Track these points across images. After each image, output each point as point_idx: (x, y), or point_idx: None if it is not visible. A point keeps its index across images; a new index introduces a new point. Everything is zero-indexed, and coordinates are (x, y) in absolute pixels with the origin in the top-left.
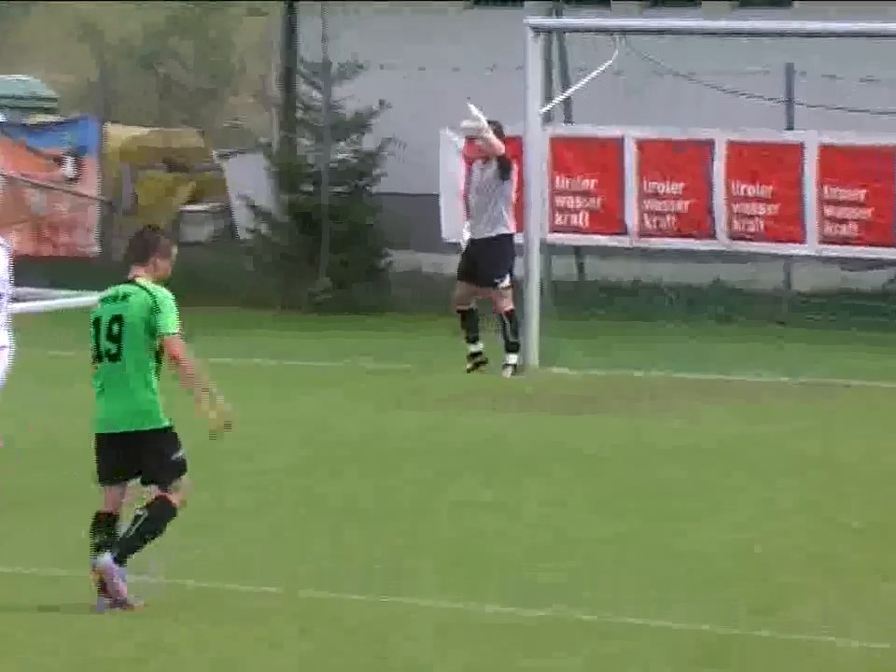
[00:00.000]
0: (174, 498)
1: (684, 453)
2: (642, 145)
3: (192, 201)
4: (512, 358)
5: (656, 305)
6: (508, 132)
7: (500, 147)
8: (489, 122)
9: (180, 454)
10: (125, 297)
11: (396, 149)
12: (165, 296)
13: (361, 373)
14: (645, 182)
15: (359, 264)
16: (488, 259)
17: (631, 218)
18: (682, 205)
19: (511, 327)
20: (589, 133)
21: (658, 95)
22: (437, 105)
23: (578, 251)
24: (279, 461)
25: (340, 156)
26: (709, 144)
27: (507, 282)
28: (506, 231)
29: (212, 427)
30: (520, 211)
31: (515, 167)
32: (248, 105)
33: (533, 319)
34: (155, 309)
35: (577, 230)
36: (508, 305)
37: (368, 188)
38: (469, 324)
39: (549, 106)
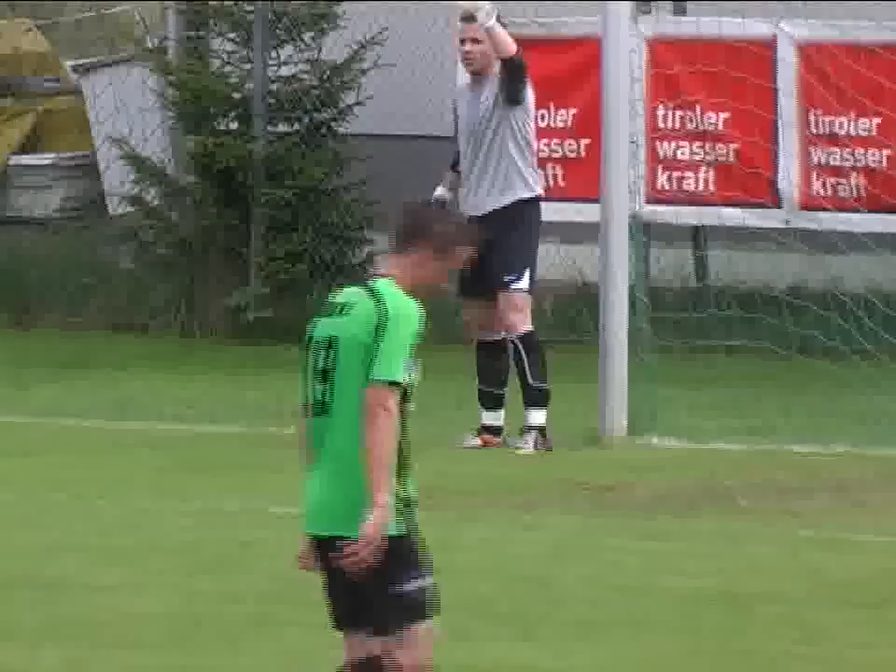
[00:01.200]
0: (403, 658)
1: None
2: (807, 51)
3: (28, 147)
4: (538, 417)
5: (834, 328)
6: (573, 30)
7: (509, 41)
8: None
9: (416, 583)
10: (348, 307)
11: (379, 59)
12: (406, 314)
13: (284, 445)
14: (813, 116)
15: (315, 258)
16: (497, 243)
17: (788, 179)
18: (878, 157)
19: (532, 360)
20: (714, 31)
21: None
22: None
23: (697, 236)
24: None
25: (284, 71)
26: None
27: (525, 282)
28: (525, 195)
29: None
30: (581, 167)
31: (530, 82)
32: None
33: (616, 354)
34: (380, 330)
35: (694, 199)
36: (524, 324)
37: (332, 126)
38: (492, 369)
39: None
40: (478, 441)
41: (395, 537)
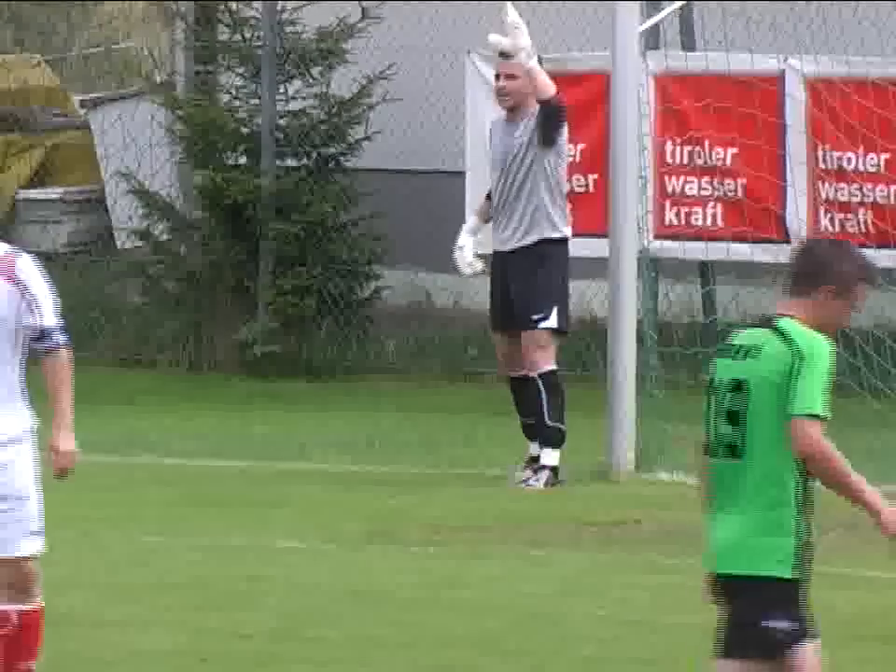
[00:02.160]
0: None
1: None
2: (816, 86)
3: (36, 182)
4: (552, 457)
5: (842, 364)
6: (582, 65)
7: (548, 83)
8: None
9: (786, 625)
10: (754, 349)
11: (388, 95)
12: (819, 351)
13: (316, 480)
14: (821, 151)
15: (324, 293)
16: (523, 281)
17: (796, 214)
18: (886, 192)
19: (550, 400)
20: (722, 66)
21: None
22: (457, 19)
23: (705, 272)
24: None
25: (292, 105)
26: None
27: (553, 321)
28: (551, 236)
29: None
30: (589, 202)
31: (566, 124)
32: (133, 16)
33: (624, 390)
34: (794, 370)
35: (702, 234)
36: (546, 363)
37: (340, 161)
38: (527, 403)
39: (655, 20)
40: (528, 473)
41: (786, 580)
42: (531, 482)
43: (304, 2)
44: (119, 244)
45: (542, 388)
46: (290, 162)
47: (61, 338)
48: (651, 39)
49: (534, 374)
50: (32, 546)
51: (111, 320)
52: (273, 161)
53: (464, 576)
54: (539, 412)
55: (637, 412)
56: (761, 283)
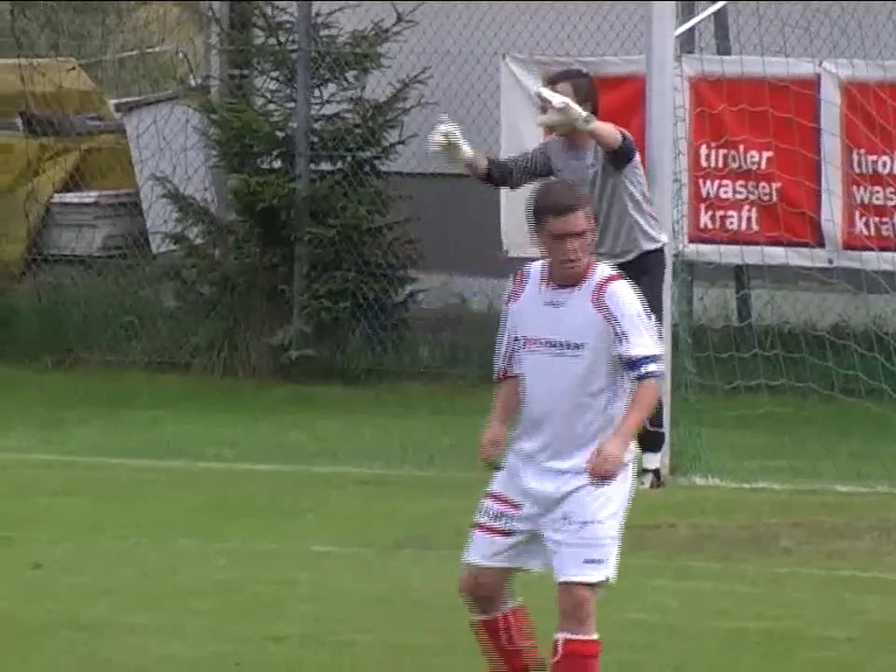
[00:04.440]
0: None
1: None
2: (851, 90)
3: (71, 186)
4: (653, 461)
5: (877, 368)
6: (618, 69)
7: (613, 134)
8: (567, 78)
9: None
10: None
11: (425, 99)
12: None
13: (349, 485)
14: (856, 155)
15: (359, 297)
16: None
17: (831, 218)
18: None
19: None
20: (757, 70)
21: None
22: (492, 23)
23: (740, 275)
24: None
25: (327, 109)
26: None
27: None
28: (651, 247)
29: None
30: None
31: (633, 142)
32: (167, 20)
33: (663, 395)
34: None
35: (737, 238)
36: None
37: (375, 164)
38: None
39: (690, 24)
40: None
41: None
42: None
43: (340, 3)
44: (153, 248)
45: None
46: (325, 166)
47: (650, 368)
48: (687, 43)
49: None
50: (587, 574)
51: (145, 324)
52: (308, 165)
53: None
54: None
55: (672, 416)
56: (796, 287)
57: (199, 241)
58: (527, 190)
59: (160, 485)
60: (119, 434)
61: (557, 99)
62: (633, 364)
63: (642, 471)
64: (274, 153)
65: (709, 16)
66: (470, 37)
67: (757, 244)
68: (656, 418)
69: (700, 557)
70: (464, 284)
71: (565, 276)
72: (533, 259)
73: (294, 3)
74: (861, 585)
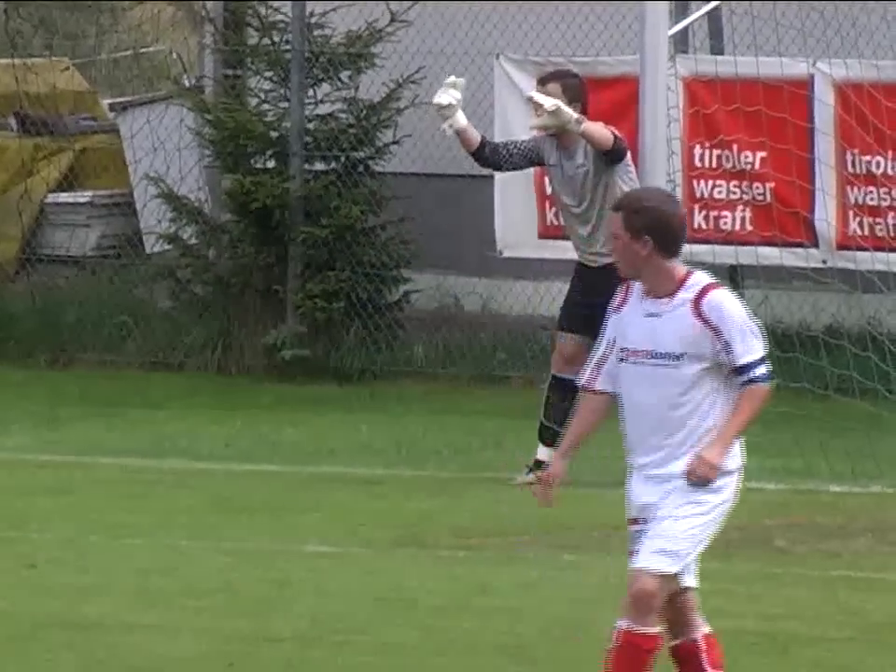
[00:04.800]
0: None
1: None
2: (845, 90)
3: (65, 186)
4: None
5: (871, 368)
6: (611, 69)
7: (604, 134)
8: (557, 78)
9: None
10: None
11: (419, 99)
12: None
13: (345, 485)
14: (850, 155)
15: (353, 297)
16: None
17: (825, 218)
18: None
19: None
20: (751, 70)
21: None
22: (486, 23)
23: (734, 276)
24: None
25: (321, 109)
26: None
27: None
28: None
29: None
30: None
31: (624, 141)
32: (161, 20)
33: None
34: None
35: (731, 238)
36: None
37: (369, 164)
38: (561, 408)
39: (684, 24)
40: (532, 478)
41: None
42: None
43: (334, 3)
44: (147, 248)
45: None
46: (319, 166)
47: (758, 372)
48: (681, 43)
49: None
50: (653, 562)
51: (140, 324)
52: (302, 165)
53: (493, 581)
54: None
55: None
56: (790, 287)
57: (193, 241)
58: (522, 191)
59: (156, 485)
60: (115, 433)
61: (549, 102)
62: (740, 371)
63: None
64: (268, 153)
65: (703, 16)
66: (464, 37)
67: (751, 244)
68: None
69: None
70: (458, 284)
71: (656, 287)
72: (527, 260)
73: (288, 3)
74: (857, 585)
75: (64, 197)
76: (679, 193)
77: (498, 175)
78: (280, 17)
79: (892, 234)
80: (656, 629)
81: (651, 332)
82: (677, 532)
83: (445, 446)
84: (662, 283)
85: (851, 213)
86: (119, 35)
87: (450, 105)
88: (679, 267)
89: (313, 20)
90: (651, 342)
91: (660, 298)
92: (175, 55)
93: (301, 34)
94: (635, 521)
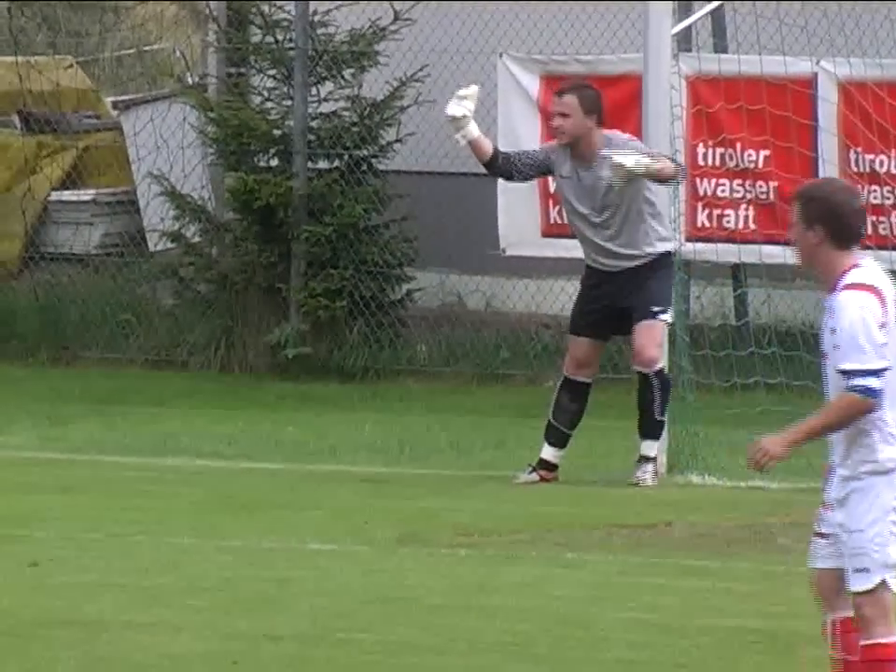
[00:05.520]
0: None
1: None
2: (848, 89)
3: (68, 184)
4: (655, 448)
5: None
6: (615, 68)
7: (671, 168)
8: (574, 90)
9: None
10: None
11: (422, 97)
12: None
13: (347, 483)
14: (853, 154)
15: (356, 295)
16: (638, 287)
17: None
18: None
19: (663, 397)
20: (754, 69)
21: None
22: (490, 21)
23: (737, 274)
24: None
25: (324, 107)
26: None
27: (670, 317)
28: (663, 249)
29: None
30: None
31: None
32: (165, 18)
33: (686, 393)
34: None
35: (734, 236)
36: (660, 358)
37: (372, 162)
38: (570, 410)
39: (687, 22)
40: (535, 476)
41: None
42: (642, 476)
43: (338, 2)
44: (150, 246)
45: (658, 385)
46: (322, 164)
47: (856, 382)
48: (684, 41)
49: (650, 371)
50: (855, 584)
51: (143, 322)
52: (305, 164)
53: (495, 580)
54: (648, 407)
55: (670, 415)
56: (793, 285)
57: (196, 239)
58: (525, 190)
59: (158, 483)
60: (118, 431)
61: (631, 161)
62: (842, 375)
63: (645, 460)
64: (272, 151)
65: (706, 14)
66: (468, 36)
67: (754, 242)
68: (666, 400)
69: (697, 556)
70: (461, 282)
71: (827, 279)
72: (530, 258)
73: (291, 1)
74: None
75: (68, 195)
76: (681, 192)
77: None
78: (283, 15)
79: (895, 233)
80: (885, 639)
81: (822, 328)
82: (863, 547)
83: (448, 445)
84: (830, 274)
85: None
86: (123, 33)
87: (463, 117)
88: (849, 259)
89: (316, 18)
90: (823, 338)
91: (830, 290)
92: (178, 53)
93: (304, 32)
94: (825, 505)
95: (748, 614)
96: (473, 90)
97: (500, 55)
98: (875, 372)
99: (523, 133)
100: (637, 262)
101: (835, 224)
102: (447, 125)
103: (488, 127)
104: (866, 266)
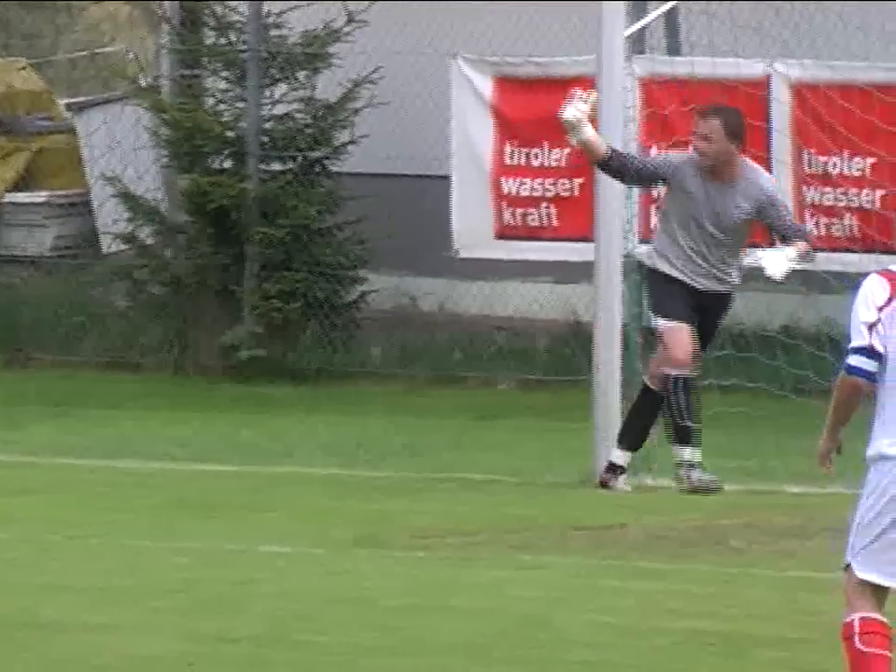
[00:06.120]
0: None
1: None
2: (801, 91)
3: (22, 186)
4: (682, 454)
5: (828, 368)
6: (568, 70)
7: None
8: (718, 115)
9: None
10: None
11: (376, 99)
12: None
13: (303, 484)
14: (806, 156)
15: (309, 297)
16: (714, 323)
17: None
18: (871, 197)
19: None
20: (708, 71)
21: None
22: (444, 23)
23: None
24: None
25: (278, 109)
26: None
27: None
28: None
29: None
30: (575, 206)
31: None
32: (118, 20)
33: (609, 394)
34: None
35: None
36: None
37: (326, 164)
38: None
39: (641, 24)
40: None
41: None
42: (690, 480)
43: (291, 3)
44: (104, 248)
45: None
46: (276, 167)
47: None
48: (637, 43)
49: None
50: None
51: (96, 324)
52: (259, 166)
53: (452, 582)
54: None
55: (623, 417)
56: (747, 287)
57: (150, 241)
58: (478, 192)
59: (115, 485)
60: (72, 434)
61: (782, 269)
62: None
63: (683, 466)
64: (225, 153)
65: (660, 16)
66: (422, 37)
67: None
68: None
69: (652, 558)
70: (415, 284)
71: None
72: (484, 260)
73: (245, 3)
74: (814, 586)
75: (21, 197)
76: (634, 194)
77: (455, 176)
78: (236, 17)
79: (848, 234)
80: (847, 618)
81: None
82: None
83: (403, 447)
84: None
85: (808, 213)
86: (76, 35)
87: (576, 120)
88: None
89: (269, 19)
90: None
91: None
92: (131, 55)
93: (257, 33)
94: None
95: (703, 616)
96: (594, 97)
97: (454, 56)
98: (856, 350)
99: (475, 133)
100: (722, 290)
101: None
102: (400, 127)
103: (442, 128)
104: None
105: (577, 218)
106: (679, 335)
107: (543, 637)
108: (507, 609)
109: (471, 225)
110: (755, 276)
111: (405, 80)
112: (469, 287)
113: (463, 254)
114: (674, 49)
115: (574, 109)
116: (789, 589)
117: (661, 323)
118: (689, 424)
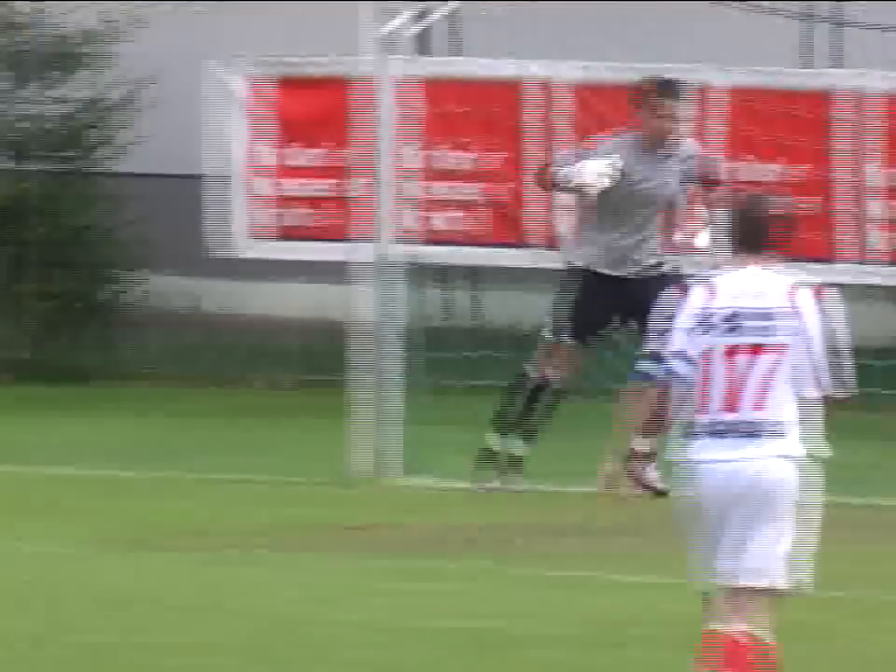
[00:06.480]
0: None
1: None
2: (582, 92)
3: None
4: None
5: (608, 368)
6: (322, 70)
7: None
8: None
9: None
10: None
11: (158, 99)
12: None
13: (84, 486)
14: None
15: (90, 297)
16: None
17: (534, 218)
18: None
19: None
20: (462, 71)
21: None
22: (226, 23)
23: (473, 278)
24: None
25: (57, 110)
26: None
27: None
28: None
29: None
30: (330, 207)
31: None
32: None
33: (362, 395)
34: None
35: (441, 238)
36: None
37: (107, 164)
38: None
39: (395, 24)
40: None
41: None
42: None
43: (72, 3)
44: None
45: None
46: (55, 166)
47: None
48: (389, 45)
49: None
50: None
51: None
52: (38, 166)
53: (228, 582)
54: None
55: (401, 416)
56: (527, 287)
57: None
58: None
59: None
60: None
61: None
62: None
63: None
64: (3, 153)
65: (412, 18)
66: (203, 39)
67: (456, 244)
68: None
69: (404, 557)
70: (197, 285)
71: None
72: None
73: (27, 3)
74: (569, 584)
75: None
76: (386, 194)
77: (207, 177)
78: (17, 17)
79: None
80: None
81: None
82: None
83: (184, 447)
84: None
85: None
86: None
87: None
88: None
89: (49, 19)
90: None
91: None
92: None
93: (37, 33)
94: None
95: (458, 615)
96: (616, 164)
97: (206, 59)
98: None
99: (228, 133)
100: (655, 272)
101: None
102: (185, 127)
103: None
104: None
105: (333, 219)
106: (562, 354)
107: (317, 638)
108: (281, 610)
109: (224, 225)
110: (528, 276)
111: (190, 81)
112: (251, 288)
113: (249, 254)
114: (455, 50)
115: (600, 178)
116: (543, 588)
117: (551, 337)
118: (536, 422)
